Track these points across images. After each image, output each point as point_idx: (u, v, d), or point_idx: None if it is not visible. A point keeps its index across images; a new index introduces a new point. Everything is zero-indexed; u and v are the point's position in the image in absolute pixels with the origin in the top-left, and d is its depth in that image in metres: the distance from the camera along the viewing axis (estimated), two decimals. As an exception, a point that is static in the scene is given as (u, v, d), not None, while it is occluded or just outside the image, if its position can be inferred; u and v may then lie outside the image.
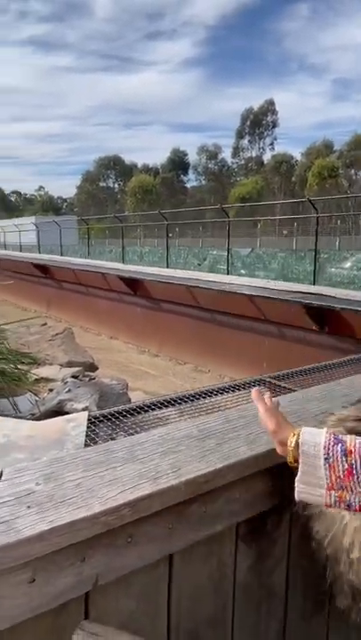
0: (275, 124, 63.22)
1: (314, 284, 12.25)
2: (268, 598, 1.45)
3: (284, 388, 1.78)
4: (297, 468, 1.01)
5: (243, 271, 15.15)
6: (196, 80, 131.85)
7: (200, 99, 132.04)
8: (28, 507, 0.90)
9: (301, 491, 1.00)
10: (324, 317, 4.48)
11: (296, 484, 1.01)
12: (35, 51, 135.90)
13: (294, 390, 1.71)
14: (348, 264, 12.65)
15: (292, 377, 1.97)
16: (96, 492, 0.96)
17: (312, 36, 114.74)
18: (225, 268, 14.98)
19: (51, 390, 3.96)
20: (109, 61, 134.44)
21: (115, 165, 73.35)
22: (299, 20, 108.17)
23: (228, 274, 14.74)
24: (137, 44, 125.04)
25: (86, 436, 1.36)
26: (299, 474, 1.00)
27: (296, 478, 1.01)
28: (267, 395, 1.18)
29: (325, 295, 4.46)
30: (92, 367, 5.36)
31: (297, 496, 1.01)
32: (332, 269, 12.84)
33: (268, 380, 1.86)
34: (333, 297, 4.33)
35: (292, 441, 1.03)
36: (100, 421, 1.46)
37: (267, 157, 63.76)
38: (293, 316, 4.68)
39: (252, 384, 1.84)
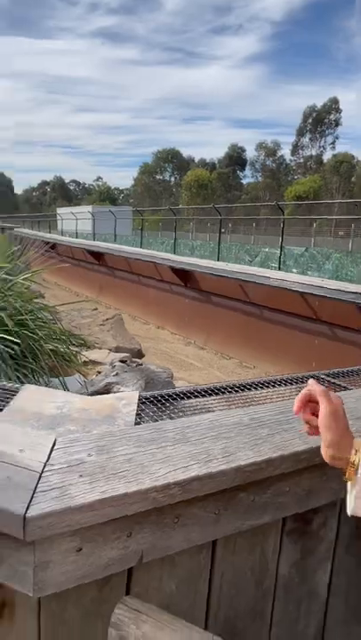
0: (337, 123, 61.42)
1: (369, 288, 11.87)
2: (309, 598, 1.41)
3: (339, 385, 1.71)
4: (353, 481, 0.93)
5: (295, 270, 14.87)
6: (259, 76, 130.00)
7: (262, 95, 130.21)
8: (80, 475, 0.91)
9: (359, 507, 0.93)
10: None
11: (354, 501, 0.93)
12: (103, 43, 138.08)
13: (350, 389, 1.65)
14: None
15: (347, 375, 1.90)
16: (147, 469, 0.95)
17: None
18: (276, 266, 14.75)
19: (99, 373, 4.03)
20: (174, 55, 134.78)
21: (172, 159, 73.61)
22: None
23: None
24: (202, 38, 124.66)
25: (137, 415, 1.36)
26: (358, 489, 0.92)
27: (355, 494, 0.93)
28: (332, 393, 0.99)
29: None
30: (140, 354, 5.40)
31: (352, 511, 0.94)
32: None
33: (321, 376, 1.80)
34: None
35: (355, 460, 0.91)
36: (150, 402, 1.46)
37: (327, 157, 62.12)
38: (347, 317, 4.54)
39: (303, 379, 1.79)
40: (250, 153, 68.92)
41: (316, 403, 0.96)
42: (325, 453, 0.95)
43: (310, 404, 0.98)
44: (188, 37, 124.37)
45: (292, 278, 5.67)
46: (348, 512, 0.95)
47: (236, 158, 68.32)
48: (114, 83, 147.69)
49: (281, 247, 14.85)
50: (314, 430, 0.98)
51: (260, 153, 66.62)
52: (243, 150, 69.38)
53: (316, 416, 0.96)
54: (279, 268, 14.59)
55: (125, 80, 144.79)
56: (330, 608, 1.46)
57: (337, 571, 1.42)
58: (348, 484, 0.94)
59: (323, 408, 0.94)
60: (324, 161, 61.61)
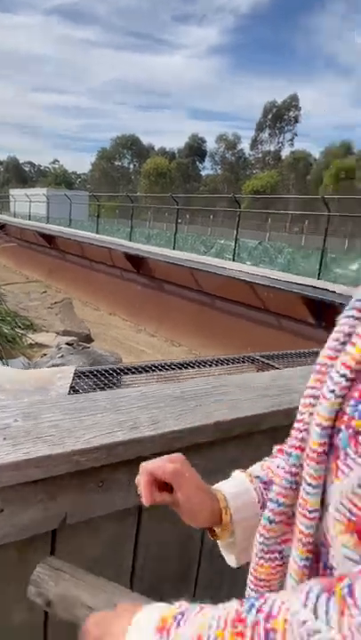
0: (296, 120, 62.54)
1: (318, 283, 12.25)
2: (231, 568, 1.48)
3: (272, 366, 1.79)
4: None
5: (248, 263, 15.13)
6: (221, 68, 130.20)
7: (223, 87, 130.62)
8: (4, 438, 0.92)
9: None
10: (323, 312, 4.48)
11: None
12: (61, 21, 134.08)
13: (281, 369, 1.73)
14: (355, 266, 12.63)
15: (280, 357, 1.99)
16: (74, 433, 0.98)
17: (343, 35, 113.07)
18: (231, 257, 14.95)
19: (44, 355, 3.98)
20: (135, 40, 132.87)
21: (132, 145, 72.76)
22: (332, 17, 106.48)
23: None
24: (165, 25, 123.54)
25: (71, 387, 1.37)
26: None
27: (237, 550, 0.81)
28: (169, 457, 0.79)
29: (328, 290, 4.46)
30: (88, 339, 5.37)
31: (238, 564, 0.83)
32: (338, 270, 12.82)
33: (257, 357, 1.87)
34: (335, 292, 4.33)
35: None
36: (86, 376, 1.48)
37: (285, 153, 63.21)
38: (292, 308, 4.68)
39: (240, 360, 1.85)
40: (210, 145, 69.26)
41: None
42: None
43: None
44: (151, 23, 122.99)
45: (243, 268, 5.78)
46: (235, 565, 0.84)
47: (196, 149, 68.34)
48: (72, 63, 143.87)
49: (236, 239, 15.04)
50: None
51: (221, 145, 66.98)
52: (203, 141, 69.49)
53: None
54: (233, 260, 14.81)
55: (84, 61, 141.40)
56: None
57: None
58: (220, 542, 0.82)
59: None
60: (283, 157, 62.69)
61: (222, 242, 16.08)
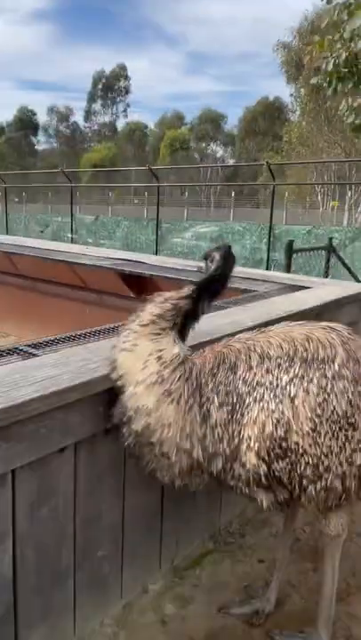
0: (127, 91, 62.27)
1: (156, 254, 12.52)
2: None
3: (31, 354, 1.73)
4: None
5: (89, 240, 14.87)
6: (49, 35, 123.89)
7: (52, 56, 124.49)
8: None
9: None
10: (140, 284, 4.55)
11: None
12: None
13: (39, 356, 1.68)
14: (188, 234, 13.15)
15: (54, 343, 1.94)
16: None
17: (169, 5, 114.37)
18: (70, 235, 14.54)
19: None
20: None
21: None
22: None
23: (72, 241, 14.33)
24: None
25: None
26: None
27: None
28: None
29: (140, 262, 4.52)
30: None
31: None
32: (175, 239, 13.24)
33: (22, 347, 1.79)
34: (145, 263, 4.41)
35: None
36: None
37: (120, 124, 62.79)
38: (112, 284, 4.68)
39: (2, 353, 1.76)
40: (42, 117, 65.70)
41: None
42: None
43: None
44: None
45: (59, 247, 5.60)
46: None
47: (27, 122, 64.50)
48: None
49: (72, 216, 14.66)
50: None
51: (53, 118, 64.16)
52: (34, 114, 65.82)
53: None
54: (72, 239, 14.43)
55: None
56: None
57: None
58: None
59: None
60: (118, 129, 62.25)
61: (59, 219, 15.55)
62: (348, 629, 2.01)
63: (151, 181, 13.31)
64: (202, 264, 1.78)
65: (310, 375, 1.55)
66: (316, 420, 1.53)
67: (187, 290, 1.66)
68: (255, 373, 1.57)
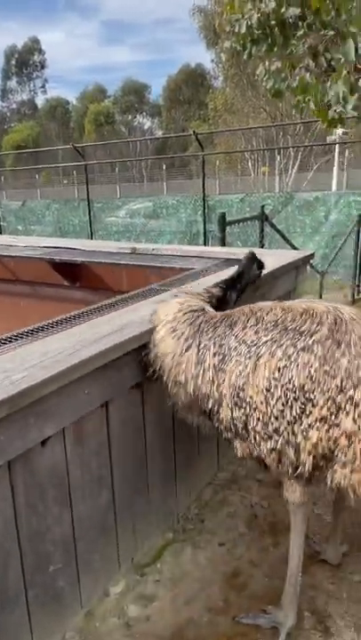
0: (43, 65, 59.22)
1: (91, 236, 12.16)
2: None
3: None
4: None
5: (19, 227, 14.24)
6: None
7: None
8: None
9: None
10: (74, 272, 4.37)
11: None
12: None
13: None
14: (122, 212, 12.83)
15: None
16: None
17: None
18: (-4, 224, 13.87)
19: None
20: None
21: None
22: None
23: (0, 230, 13.69)
24: None
25: None
26: None
27: None
28: None
29: (72, 248, 4.32)
30: None
31: None
32: (109, 219, 12.89)
33: None
34: (77, 249, 4.22)
35: None
36: None
37: (40, 101, 59.99)
38: (44, 274, 4.46)
39: None
40: None
41: None
42: None
43: None
44: None
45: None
46: None
47: None
48: None
49: (-4, 203, 13.95)
50: None
51: (-33, 98, 60.24)
52: None
53: None
54: (0, 227, 13.77)
55: None
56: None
57: None
58: None
59: None
60: (39, 106, 59.52)
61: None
62: (313, 601, 2.03)
63: (78, 160, 12.81)
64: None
65: (282, 341, 1.67)
66: (272, 382, 1.64)
67: (220, 284, 2.22)
68: (246, 333, 1.79)
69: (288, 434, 1.63)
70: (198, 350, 1.85)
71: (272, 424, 1.65)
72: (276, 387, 1.63)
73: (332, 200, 9.55)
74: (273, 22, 2.68)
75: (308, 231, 9.69)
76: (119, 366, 1.96)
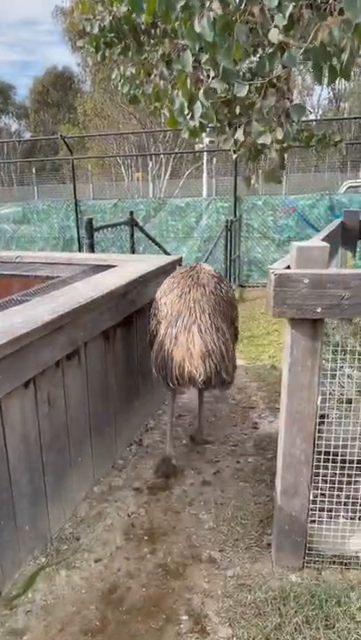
0: None
1: None
2: None
3: None
4: None
5: None
6: None
7: None
8: None
9: None
10: None
11: None
12: None
13: None
14: (5, 210, 12.01)
15: None
16: None
17: None
18: None
19: None
20: None
21: None
22: None
23: None
24: None
25: None
26: None
27: None
28: None
29: None
30: None
31: None
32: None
33: None
34: None
35: None
36: None
37: None
38: None
39: None
40: None
41: None
42: None
43: None
44: None
45: None
46: None
47: None
48: None
49: None
50: None
51: None
52: None
53: None
54: None
55: None
56: None
57: None
58: None
59: None
60: None
61: None
62: (190, 603, 2.04)
63: None
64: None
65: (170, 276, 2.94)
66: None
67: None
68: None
69: (152, 326, 2.83)
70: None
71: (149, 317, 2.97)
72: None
73: (202, 206, 9.90)
74: (126, 27, 2.68)
75: (181, 236, 9.94)
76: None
